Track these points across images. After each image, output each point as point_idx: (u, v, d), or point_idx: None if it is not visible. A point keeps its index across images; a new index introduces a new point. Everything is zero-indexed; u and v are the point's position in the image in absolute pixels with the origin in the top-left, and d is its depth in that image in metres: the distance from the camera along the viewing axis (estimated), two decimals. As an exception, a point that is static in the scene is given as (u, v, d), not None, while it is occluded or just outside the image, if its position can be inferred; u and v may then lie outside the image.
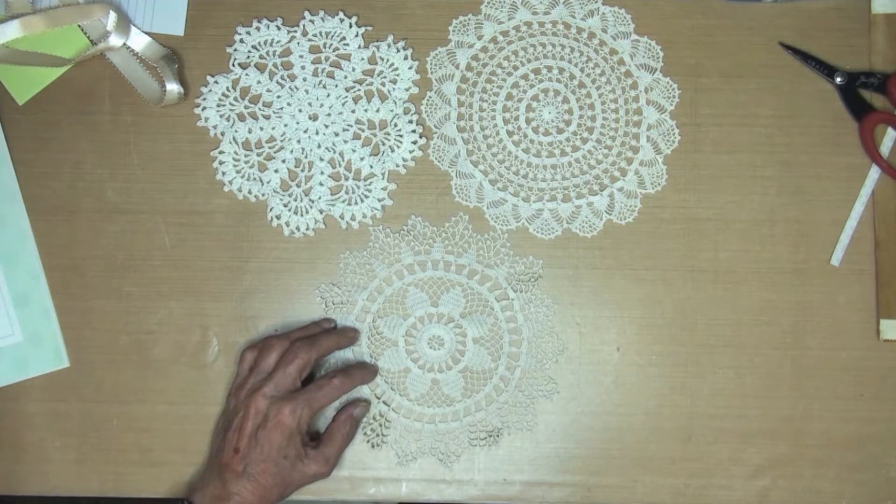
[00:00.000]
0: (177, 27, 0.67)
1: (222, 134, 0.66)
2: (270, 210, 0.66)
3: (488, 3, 0.67)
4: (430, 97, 0.67)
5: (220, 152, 0.66)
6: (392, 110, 0.66)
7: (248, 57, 0.67)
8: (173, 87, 0.65)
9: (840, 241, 0.65)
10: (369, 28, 0.67)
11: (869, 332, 0.65)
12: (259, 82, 0.66)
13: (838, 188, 0.65)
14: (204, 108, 0.66)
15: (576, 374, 0.65)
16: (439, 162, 0.66)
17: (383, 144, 0.66)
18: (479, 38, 0.67)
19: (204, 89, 0.66)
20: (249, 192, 0.66)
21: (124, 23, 0.66)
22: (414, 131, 0.66)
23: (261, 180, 0.66)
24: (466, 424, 0.64)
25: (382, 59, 0.66)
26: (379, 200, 0.65)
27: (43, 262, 0.66)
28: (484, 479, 0.65)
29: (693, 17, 0.67)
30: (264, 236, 0.66)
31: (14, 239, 0.66)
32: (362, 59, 0.66)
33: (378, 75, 0.66)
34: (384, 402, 0.65)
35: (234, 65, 0.67)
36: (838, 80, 0.65)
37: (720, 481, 0.64)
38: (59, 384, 0.65)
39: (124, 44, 0.66)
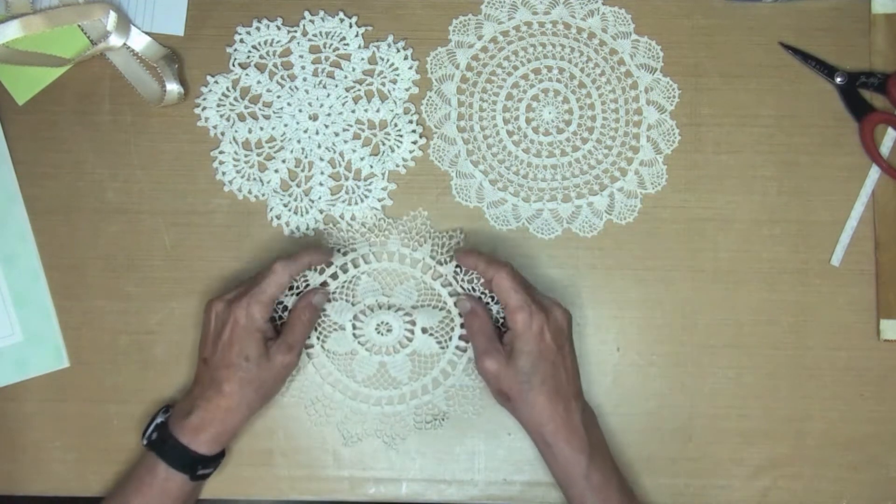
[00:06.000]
0: (177, 27, 0.67)
1: (222, 134, 0.66)
2: (270, 210, 0.66)
3: (488, 3, 0.67)
4: (430, 97, 0.67)
5: (220, 152, 0.66)
6: (392, 110, 0.66)
7: (248, 57, 0.67)
8: (173, 87, 0.65)
9: (840, 241, 0.65)
10: (369, 28, 0.67)
11: (869, 332, 0.65)
12: (259, 82, 0.66)
13: (838, 188, 0.65)
14: (204, 108, 0.66)
15: (576, 374, 0.65)
16: (439, 162, 0.66)
17: (383, 144, 0.66)
18: (480, 38, 0.67)
19: (204, 89, 0.66)
20: (249, 192, 0.66)
21: (124, 23, 0.66)
22: (414, 131, 0.66)
23: (261, 180, 0.66)
24: (412, 407, 0.64)
25: (382, 59, 0.66)
26: (379, 200, 0.65)
27: (43, 262, 0.66)
28: (484, 479, 0.65)
29: (693, 17, 0.67)
30: (264, 236, 0.66)
31: (14, 239, 0.66)
32: (362, 59, 0.66)
33: (378, 75, 0.66)
34: (329, 384, 0.65)
35: (234, 65, 0.67)
36: (838, 80, 0.65)
37: (720, 481, 0.64)
38: (59, 384, 0.65)
39: (124, 44, 0.66)
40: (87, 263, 0.66)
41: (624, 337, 0.65)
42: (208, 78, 0.67)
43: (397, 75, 0.66)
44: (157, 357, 0.65)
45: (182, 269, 0.66)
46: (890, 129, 0.65)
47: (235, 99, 0.67)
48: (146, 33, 0.66)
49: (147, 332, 0.66)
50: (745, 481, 0.64)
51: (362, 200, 0.65)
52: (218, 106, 0.66)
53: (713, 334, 0.65)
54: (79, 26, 0.67)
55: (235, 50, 0.67)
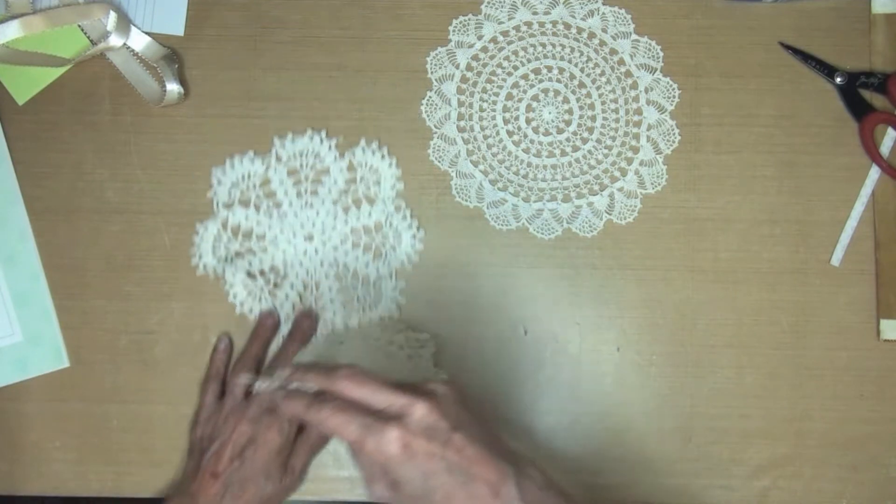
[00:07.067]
0: (177, 27, 0.67)
1: (224, 272, 0.65)
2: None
3: (488, 3, 0.67)
4: (430, 97, 0.67)
5: (231, 286, 0.65)
6: (384, 210, 0.65)
7: (230, 196, 0.66)
8: (173, 87, 0.65)
9: (840, 241, 0.65)
10: (339, 138, 0.66)
11: (869, 332, 0.65)
12: (247, 217, 0.65)
13: (838, 188, 0.65)
14: (200, 256, 0.65)
15: (576, 374, 0.65)
16: (439, 162, 0.66)
17: (383, 246, 0.65)
18: (479, 38, 0.67)
19: (195, 237, 0.65)
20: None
21: (124, 23, 0.66)
22: (410, 226, 0.65)
23: (275, 305, 0.65)
24: None
25: (361, 165, 0.65)
26: (392, 301, 0.65)
27: (43, 262, 0.66)
28: (484, 479, 0.65)
29: (693, 17, 0.67)
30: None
31: (14, 239, 0.66)
32: (341, 169, 0.65)
33: (361, 181, 0.66)
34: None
35: (217, 207, 0.65)
36: (838, 80, 0.65)
37: (720, 481, 0.64)
38: (59, 384, 0.65)
39: (124, 44, 0.66)
40: (87, 263, 0.66)
41: (624, 337, 0.65)
42: (197, 225, 0.65)
43: (379, 176, 0.65)
44: (157, 357, 0.65)
45: (182, 269, 0.66)
46: (890, 129, 0.65)
47: (229, 239, 0.65)
48: (146, 33, 0.66)
49: (147, 332, 0.66)
50: (745, 481, 0.64)
51: (377, 306, 0.65)
52: (213, 250, 0.65)
53: (713, 334, 0.65)
54: (79, 26, 0.67)
55: (216, 193, 0.66)
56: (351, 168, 0.66)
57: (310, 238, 0.65)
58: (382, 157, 0.66)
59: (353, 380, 0.49)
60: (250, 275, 0.65)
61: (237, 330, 0.65)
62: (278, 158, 0.66)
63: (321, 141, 0.66)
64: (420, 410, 0.46)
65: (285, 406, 0.51)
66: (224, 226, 0.65)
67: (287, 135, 0.66)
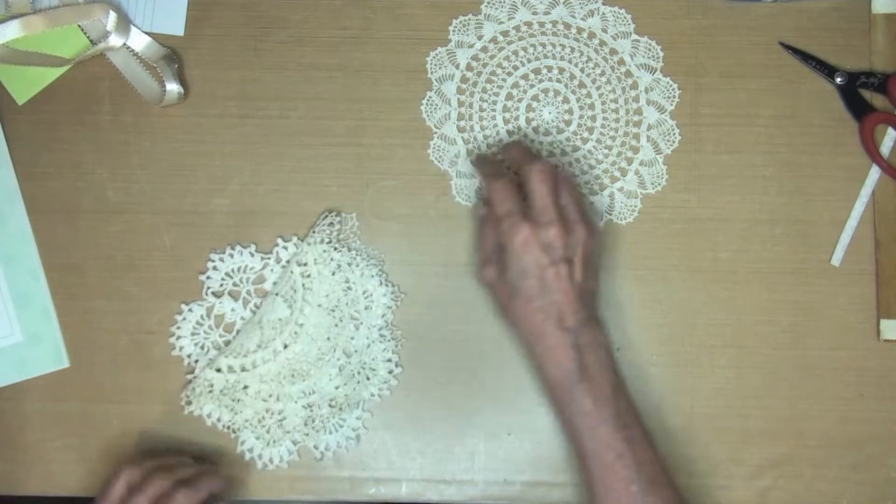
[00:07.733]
0: (177, 27, 0.67)
1: (196, 362, 0.65)
2: (242, 444, 0.64)
3: (488, 3, 0.67)
4: (430, 97, 0.67)
5: (195, 377, 0.64)
6: (367, 337, 0.64)
7: (222, 285, 0.65)
8: (173, 87, 0.65)
9: (840, 241, 0.65)
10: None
11: (869, 332, 0.65)
12: (233, 310, 0.65)
13: (838, 188, 0.65)
14: (178, 338, 0.65)
15: (576, 374, 0.65)
16: (439, 162, 0.66)
17: (358, 374, 0.64)
18: (480, 38, 0.67)
19: (178, 317, 0.65)
20: (218, 420, 0.64)
21: (124, 23, 0.66)
22: (389, 360, 0.64)
23: (234, 410, 0.63)
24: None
25: (356, 284, 0.64)
26: (353, 430, 0.64)
27: (43, 262, 0.66)
28: (484, 479, 0.65)
29: (693, 17, 0.67)
30: (265, 238, 0.66)
31: (14, 239, 0.66)
32: (337, 282, 0.64)
33: (352, 303, 0.65)
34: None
35: (207, 293, 0.65)
36: (838, 80, 0.65)
37: (720, 481, 0.64)
38: (59, 384, 0.65)
39: (124, 44, 0.66)
40: (87, 263, 0.66)
41: (624, 337, 0.65)
42: (182, 306, 0.65)
43: (371, 301, 0.64)
44: (157, 357, 0.65)
45: (182, 269, 0.66)
46: (890, 129, 0.65)
47: (210, 327, 0.65)
48: (146, 33, 0.66)
49: (147, 332, 0.66)
50: (745, 481, 0.64)
51: (337, 430, 0.64)
52: (192, 335, 0.65)
53: (713, 334, 0.65)
54: (79, 26, 0.67)
55: (208, 278, 0.65)
56: (347, 285, 0.65)
57: (286, 346, 0.64)
58: (380, 283, 0.65)
59: (542, 175, 0.58)
60: (223, 392, 0.63)
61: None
62: (278, 260, 0.65)
63: (324, 251, 0.65)
64: (553, 232, 0.57)
65: (509, 150, 0.63)
66: (208, 313, 0.65)
67: (292, 238, 0.65)
